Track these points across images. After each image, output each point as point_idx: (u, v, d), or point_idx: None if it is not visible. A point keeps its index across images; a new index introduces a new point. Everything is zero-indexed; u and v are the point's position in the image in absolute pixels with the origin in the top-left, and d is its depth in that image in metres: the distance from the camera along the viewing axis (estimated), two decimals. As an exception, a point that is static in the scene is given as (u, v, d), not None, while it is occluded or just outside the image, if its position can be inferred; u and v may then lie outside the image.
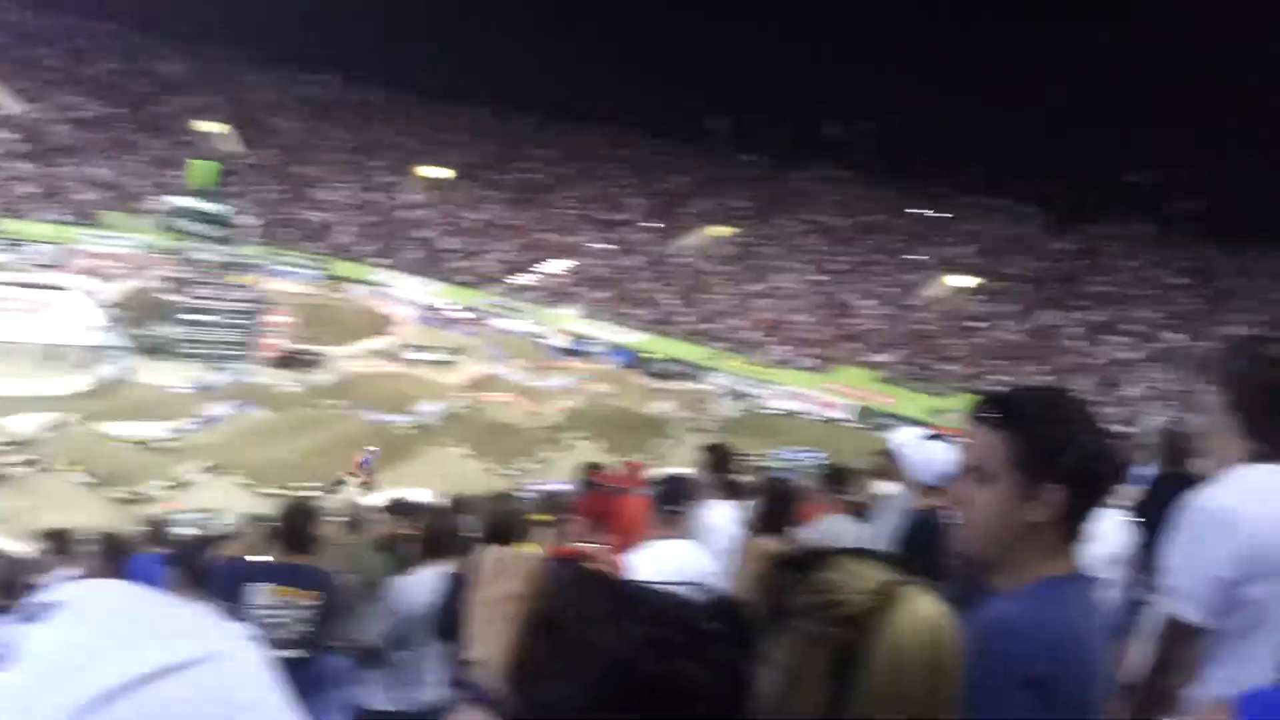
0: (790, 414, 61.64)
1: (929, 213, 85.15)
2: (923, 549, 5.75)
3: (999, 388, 2.93)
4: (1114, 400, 61.41)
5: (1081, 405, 2.66)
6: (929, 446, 6.25)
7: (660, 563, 5.37)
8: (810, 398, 63.82)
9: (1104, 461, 2.61)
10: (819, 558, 1.72)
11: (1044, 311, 73.14)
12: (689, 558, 5.82)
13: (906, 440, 6.38)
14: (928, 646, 1.62)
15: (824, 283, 77.90)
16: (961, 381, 63.41)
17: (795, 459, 45.01)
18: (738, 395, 63.75)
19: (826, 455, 42.80)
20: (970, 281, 76.63)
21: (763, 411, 62.00)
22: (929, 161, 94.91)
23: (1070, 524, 2.60)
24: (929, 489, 6.14)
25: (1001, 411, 2.64)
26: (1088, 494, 2.60)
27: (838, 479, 8.47)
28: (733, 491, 8.03)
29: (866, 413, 60.84)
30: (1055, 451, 2.56)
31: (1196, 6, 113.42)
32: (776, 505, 7.61)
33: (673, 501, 6.15)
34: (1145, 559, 4.90)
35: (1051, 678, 2.38)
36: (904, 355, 69.18)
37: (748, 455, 36.34)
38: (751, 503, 8.07)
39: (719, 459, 8.03)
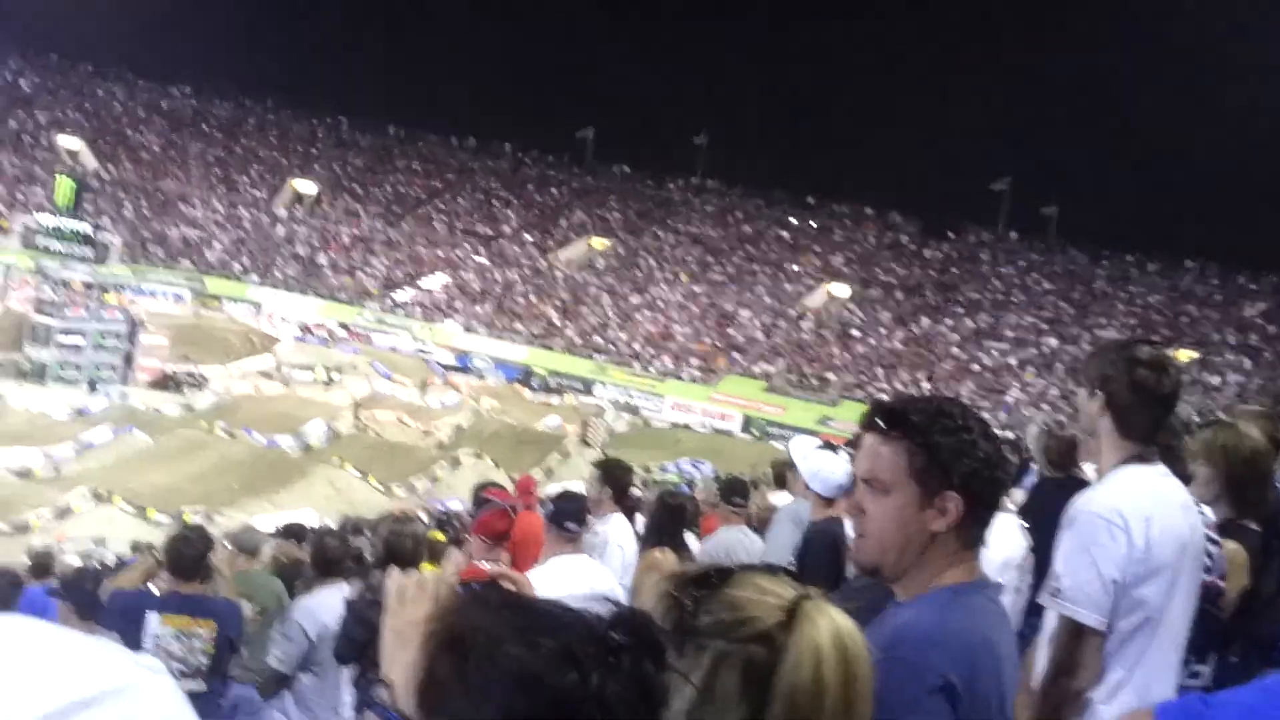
0: (679, 426, 61.83)
1: (802, 222, 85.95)
2: (821, 560, 5.76)
3: (887, 398, 3.06)
4: (995, 405, 62.58)
5: (972, 413, 2.68)
6: (823, 457, 6.27)
7: (561, 579, 5.42)
8: (698, 409, 64.06)
9: (999, 468, 2.63)
10: (724, 575, 1.70)
11: (922, 319, 74.27)
12: (589, 573, 5.80)
13: (802, 451, 6.42)
14: (840, 660, 1.61)
15: (704, 293, 78.25)
16: (845, 390, 64.20)
17: (687, 471, 45.18)
18: (626, 408, 63.77)
19: (717, 467, 43.11)
20: (847, 290, 77.52)
21: (652, 424, 62.16)
22: (801, 171, 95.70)
23: (970, 531, 2.62)
24: (825, 500, 6.15)
25: (897, 422, 2.64)
26: (985, 501, 2.62)
27: (731, 490, 8.64)
28: (626, 506, 7.99)
29: (755, 423, 61.25)
30: (951, 460, 2.57)
31: (1056, 11, 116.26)
32: (669, 518, 7.61)
33: (567, 518, 6.13)
34: (1035, 563, 5.09)
35: (960, 684, 2.38)
36: (787, 364, 69.77)
37: (639, 469, 36.39)
38: (645, 517, 8.09)
39: (611, 474, 7.89)
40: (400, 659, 1.92)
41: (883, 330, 73.50)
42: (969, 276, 78.83)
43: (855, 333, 73.52)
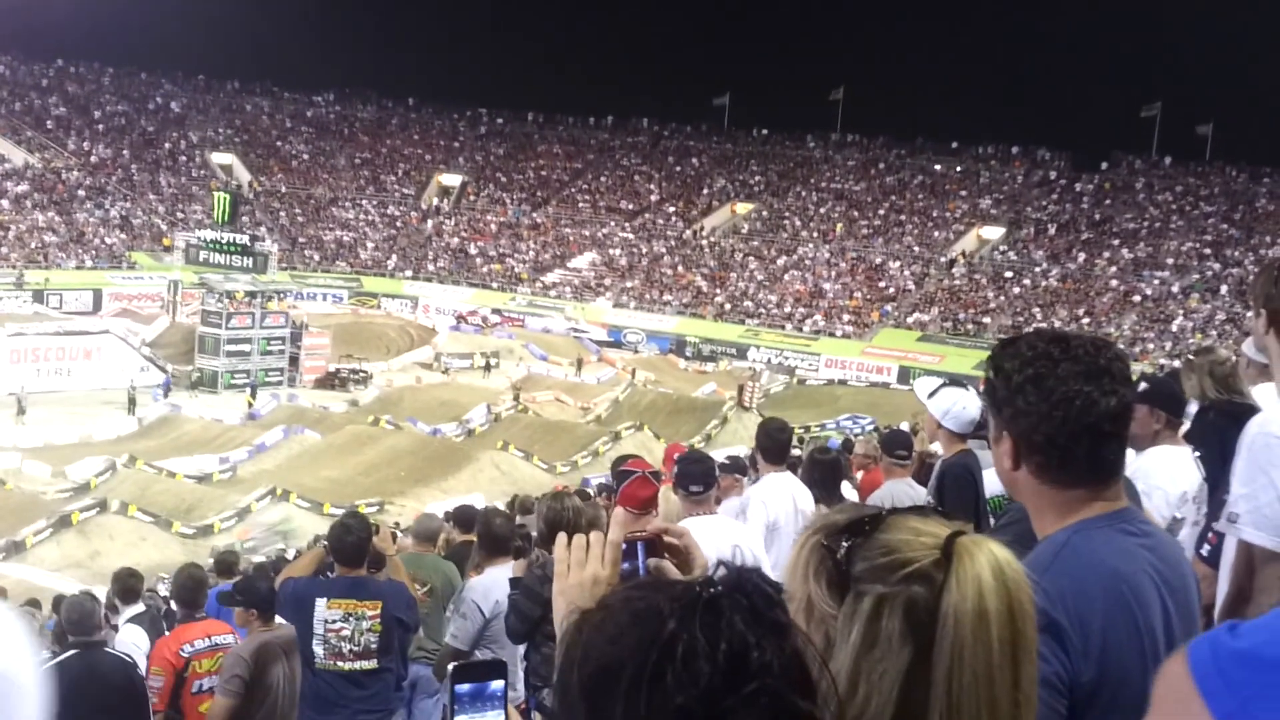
0: (836, 382, 61.55)
1: (947, 168, 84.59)
2: (958, 497, 5.70)
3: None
4: (1160, 335, 61.14)
5: (1049, 348, 2.48)
6: (952, 395, 6.18)
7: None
8: (853, 364, 63.71)
9: (1062, 409, 2.43)
10: (876, 520, 1.67)
11: (1078, 254, 72.70)
12: (718, 533, 5.78)
13: (929, 390, 6.32)
14: (1003, 591, 1.58)
15: (852, 248, 77.65)
16: (1002, 333, 63.08)
17: (847, 427, 44.98)
18: (781, 369, 63.70)
19: (878, 420, 42.86)
20: (998, 232, 76.23)
21: (809, 383, 61.99)
22: (941, 117, 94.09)
23: (1062, 472, 2.47)
24: (958, 436, 6.13)
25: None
26: (1048, 445, 2.46)
27: (893, 443, 8.49)
28: (787, 465, 7.97)
29: (912, 374, 60.67)
30: (1002, 402, 2.50)
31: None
32: (821, 474, 7.56)
33: (691, 481, 6.14)
34: (1208, 489, 4.79)
35: (1068, 621, 2.32)
36: (941, 312, 68.96)
37: (799, 428, 36.31)
38: (806, 474, 8.05)
39: (771, 434, 7.90)
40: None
41: (1037, 269, 72.13)
42: (1124, 206, 76.88)
43: (1009, 274, 72.28)
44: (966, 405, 6.04)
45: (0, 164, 74.90)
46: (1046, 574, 2.28)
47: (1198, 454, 5.14)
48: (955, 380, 6.46)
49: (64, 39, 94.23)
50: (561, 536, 2.15)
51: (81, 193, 75.70)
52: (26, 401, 45.27)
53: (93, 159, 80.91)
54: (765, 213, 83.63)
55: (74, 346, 50.96)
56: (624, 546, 2.19)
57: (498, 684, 1.86)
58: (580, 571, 2.13)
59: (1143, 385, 5.23)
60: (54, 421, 44.62)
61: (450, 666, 1.86)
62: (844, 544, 1.64)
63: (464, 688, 1.82)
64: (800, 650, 1.30)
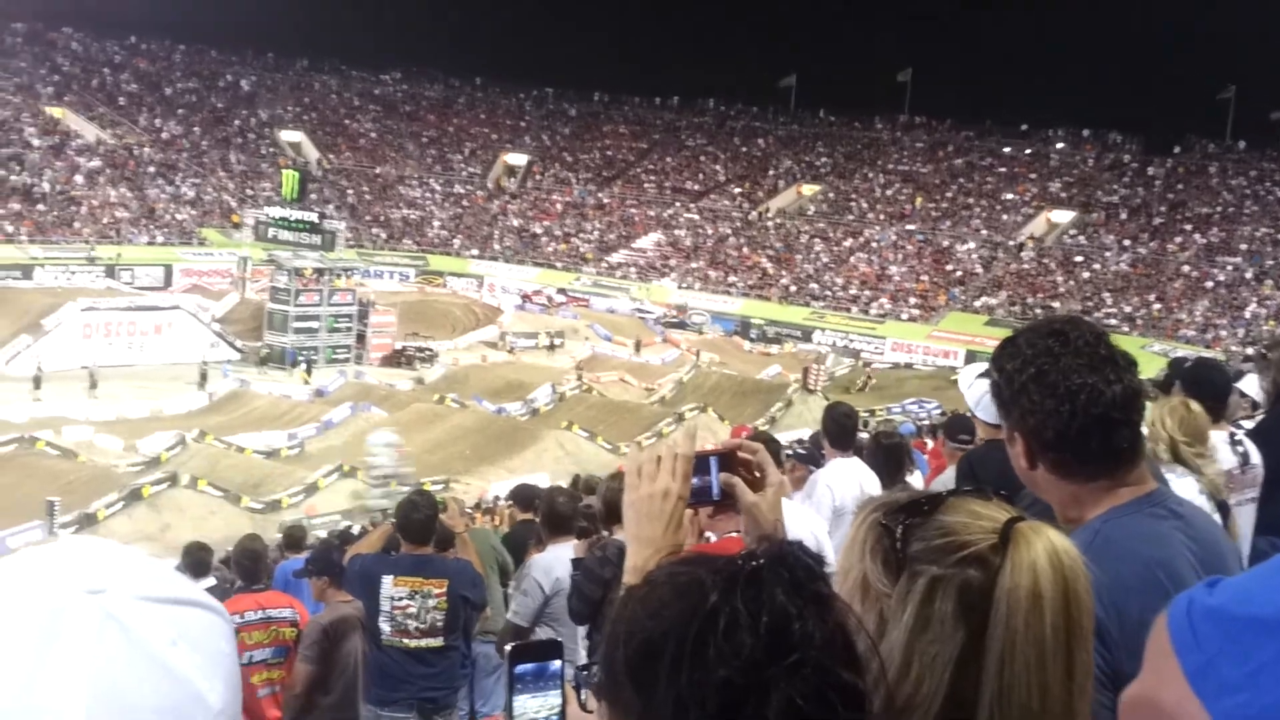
0: (902, 366, 61.20)
1: (1016, 151, 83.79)
2: (989, 485, 5.63)
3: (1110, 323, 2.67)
4: (1232, 322, 60.31)
5: (1049, 341, 2.46)
6: (982, 385, 6.06)
7: None
8: (920, 348, 63.34)
9: (1070, 403, 2.41)
10: (935, 501, 1.67)
11: (1149, 239, 71.80)
12: (790, 518, 5.70)
13: (967, 380, 6.22)
14: (1058, 577, 1.58)
15: (918, 231, 77.13)
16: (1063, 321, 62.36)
17: (913, 411, 44.73)
18: (846, 352, 63.46)
19: (943, 405, 42.56)
20: (1067, 216, 75.44)
21: (874, 367, 61.69)
22: (1011, 99, 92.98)
23: (1083, 467, 2.45)
24: (993, 426, 5.99)
25: (992, 358, 2.56)
26: (1058, 441, 2.44)
27: (956, 428, 8.37)
28: (851, 449, 7.92)
29: (979, 358, 60.19)
30: (1010, 398, 2.49)
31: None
32: (885, 458, 7.51)
33: None
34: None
35: (1105, 616, 2.16)
36: (1009, 296, 68.37)
37: (863, 412, 36.12)
38: (869, 459, 7.99)
39: (837, 418, 7.89)
40: (637, 533, 2.16)
41: (1108, 254, 71.32)
42: (1197, 191, 75.80)
43: (1079, 258, 71.52)
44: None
45: (73, 140, 75.82)
46: None
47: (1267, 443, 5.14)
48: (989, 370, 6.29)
49: (136, 16, 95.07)
50: (634, 449, 2.16)
51: (153, 169, 76.55)
52: (98, 375, 45.92)
53: (164, 136, 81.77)
54: (831, 195, 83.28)
55: (145, 321, 51.60)
56: (696, 461, 2.20)
57: (557, 664, 1.85)
58: (651, 484, 2.16)
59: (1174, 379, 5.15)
60: (125, 396, 45.23)
61: (508, 647, 1.86)
62: (901, 524, 1.63)
63: (524, 667, 1.82)
64: (844, 623, 1.31)
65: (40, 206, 67.62)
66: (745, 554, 1.33)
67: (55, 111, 78.08)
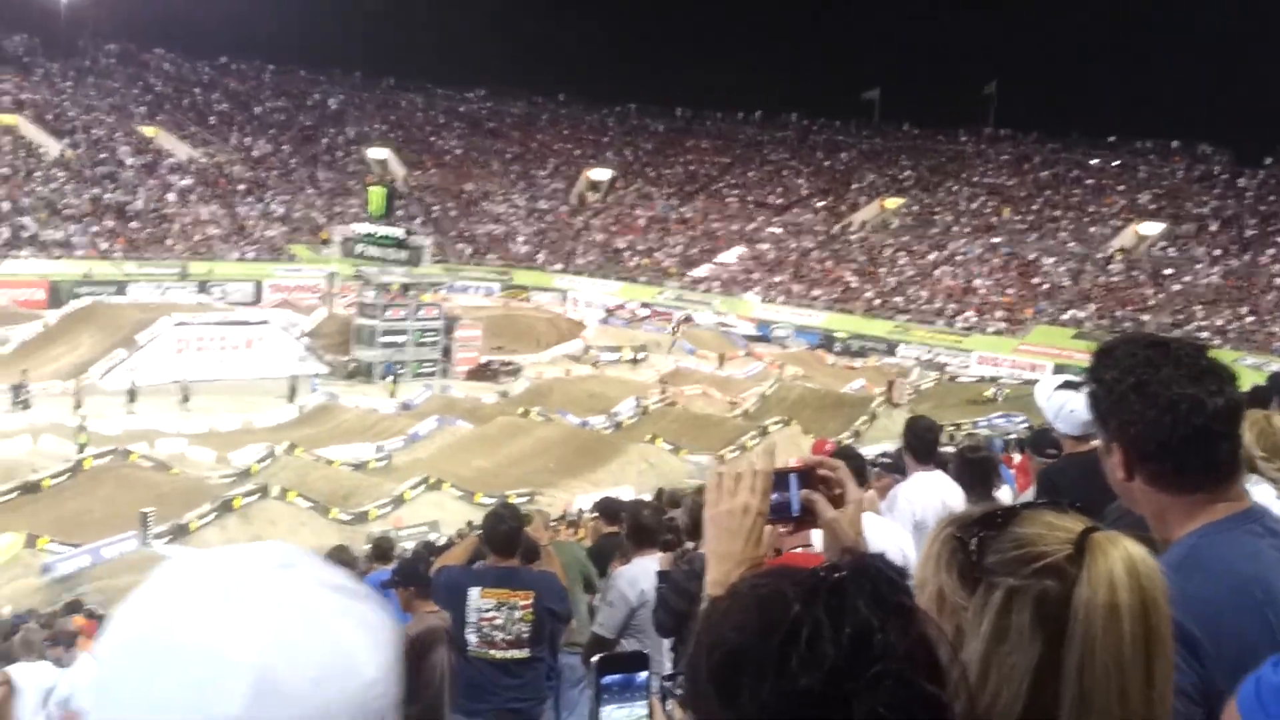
0: (988, 380, 60.61)
1: (1104, 162, 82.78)
2: (1074, 497, 5.56)
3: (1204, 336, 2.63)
4: (1327, 335, 59.16)
5: (1152, 353, 2.41)
6: (1065, 396, 5.95)
7: None
8: (1006, 361, 62.75)
9: (1172, 414, 2.35)
10: (1010, 513, 1.67)
11: (1241, 251, 70.60)
12: (869, 531, 5.66)
13: (1045, 392, 6.15)
14: (1136, 587, 1.57)
15: (1004, 244, 76.43)
16: (1162, 331, 61.31)
17: (999, 425, 44.31)
18: (931, 366, 63.00)
19: (1030, 419, 42.07)
20: (1157, 228, 74.40)
21: (959, 380, 61.18)
22: (1098, 111, 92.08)
23: (1183, 479, 2.40)
24: (1076, 439, 5.93)
25: (1089, 368, 2.49)
26: (1159, 452, 2.38)
27: (1042, 442, 8.32)
28: (935, 463, 7.82)
29: (1068, 371, 59.45)
30: (1109, 409, 2.42)
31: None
32: (971, 473, 7.45)
33: None
34: None
35: (1201, 632, 2.20)
36: (1098, 309, 67.50)
37: (948, 426, 35.76)
38: (954, 474, 7.91)
39: (919, 432, 7.80)
40: (717, 548, 2.18)
41: (1198, 266, 70.18)
42: (1292, 202, 74.51)
43: (1168, 271, 70.45)
44: (1076, 407, 5.75)
45: (165, 159, 77.31)
46: (1173, 583, 2.15)
47: None
48: (1070, 381, 6.28)
49: (227, 37, 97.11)
50: (715, 463, 2.19)
51: (243, 187, 77.84)
52: (191, 389, 46.72)
53: (254, 154, 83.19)
54: (915, 208, 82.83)
55: (236, 336, 52.39)
56: (776, 477, 2.22)
57: (643, 675, 1.87)
58: (731, 500, 2.17)
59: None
60: (217, 409, 45.92)
61: (595, 659, 1.89)
62: (976, 536, 1.64)
63: (611, 678, 1.84)
64: (927, 635, 1.31)
65: (134, 224, 69.01)
66: (828, 565, 1.35)
67: (148, 130, 79.72)
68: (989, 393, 55.59)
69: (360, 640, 1.16)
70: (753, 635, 1.29)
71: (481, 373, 55.87)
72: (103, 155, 74.25)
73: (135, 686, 1.07)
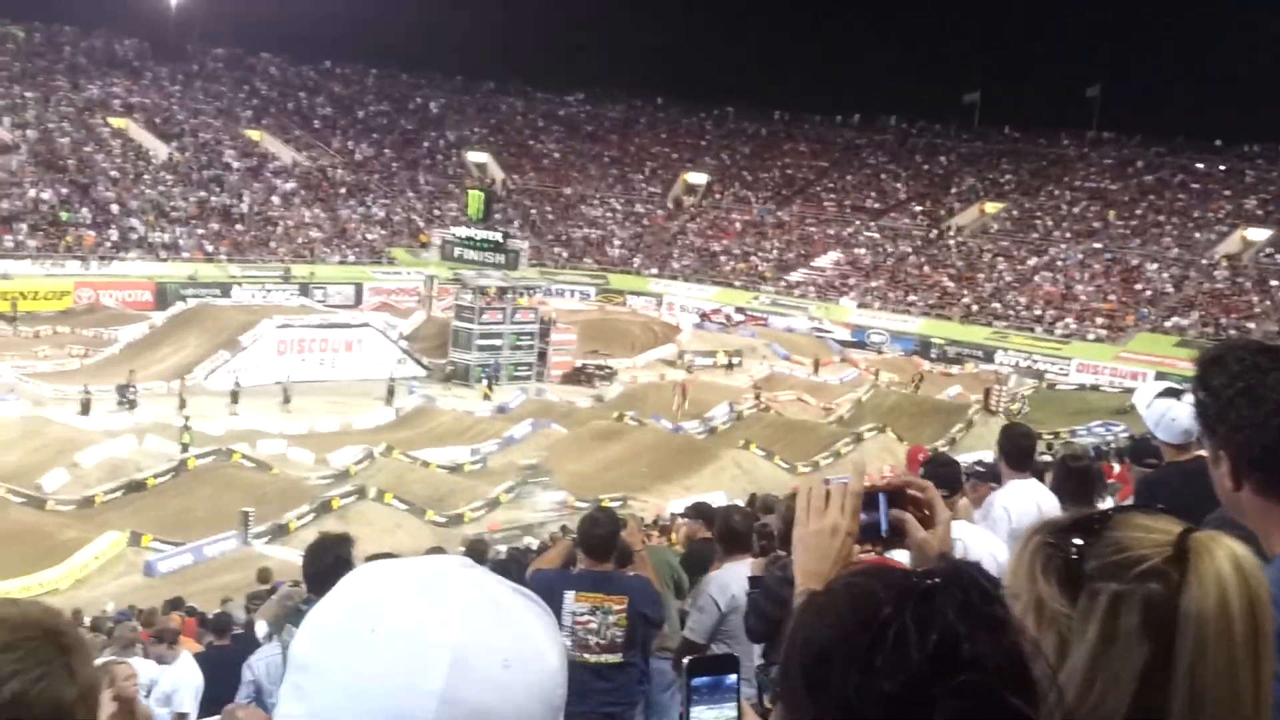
0: (1088, 388, 59.77)
1: (1209, 167, 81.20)
2: (1175, 504, 5.47)
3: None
4: None
5: (1252, 364, 2.31)
6: (1165, 404, 5.90)
7: None
8: (1107, 369, 61.83)
9: (1272, 424, 2.27)
10: (1104, 518, 1.66)
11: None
12: (963, 539, 5.62)
13: (1145, 399, 6.07)
14: (1243, 586, 1.56)
15: (1106, 250, 75.28)
16: (1268, 339, 60.11)
17: (1099, 433, 43.70)
18: (1029, 373, 62.25)
19: (1131, 428, 41.40)
20: (1264, 234, 72.86)
21: (1059, 388, 60.40)
22: (1204, 114, 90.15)
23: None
24: (1176, 448, 5.89)
25: (1195, 375, 2.42)
26: (1271, 459, 2.28)
27: (1142, 451, 8.19)
28: (1033, 471, 7.73)
29: (1170, 380, 58.32)
30: (1215, 422, 2.34)
31: None
32: (1072, 482, 7.37)
33: (937, 485, 5.95)
34: None
35: None
36: (1201, 317, 66.27)
37: (1047, 433, 35.33)
38: (1057, 482, 7.82)
39: (1015, 439, 7.68)
40: (804, 567, 2.19)
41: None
42: None
43: (1276, 279, 68.98)
44: (1177, 415, 5.76)
45: (270, 162, 78.63)
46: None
47: None
48: (1171, 389, 6.19)
49: (331, 42, 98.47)
50: (803, 483, 2.20)
51: (344, 190, 78.93)
52: (292, 390, 47.47)
53: (356, 158, 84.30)
54: (1015, 212, 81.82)
55: (336, 338, 53.12)
56: (866, 497, 2.22)
57: (733, 677, 1.87)
58: (820, 519, 2.19)
59: None
60: (316, 410, 46.62)
61: (686, 660, 1.90)
62: (1075, 542, 1.63)
63: (701, 680, 1.84)
64: (1019, 648, 1.32)
65: (239, 226, 70.28)
66: (923, 570, 1.38)
67: (254, 134, 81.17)
68: (1128, 404, 54.18)
69: (541, 632, 1.28)
70: (842, 633, 1.31)
71: (576, 376, 56.16)
72: (209, 159, 75.70)
73: (344, 664, 1.18)
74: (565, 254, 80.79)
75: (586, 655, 7.43)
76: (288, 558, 30.27)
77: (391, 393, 49.48)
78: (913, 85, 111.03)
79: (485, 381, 52.89)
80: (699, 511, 12.66)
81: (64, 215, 64.77)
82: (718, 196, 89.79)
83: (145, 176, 71.05)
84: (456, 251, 59.68)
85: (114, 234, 65.03)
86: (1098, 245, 75.78)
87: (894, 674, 1.26)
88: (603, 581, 7.49)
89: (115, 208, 66.80)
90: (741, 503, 19.38)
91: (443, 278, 61.15)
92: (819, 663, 1.31)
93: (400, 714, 1.15)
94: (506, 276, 57.34)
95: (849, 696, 1.27)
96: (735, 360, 60.14)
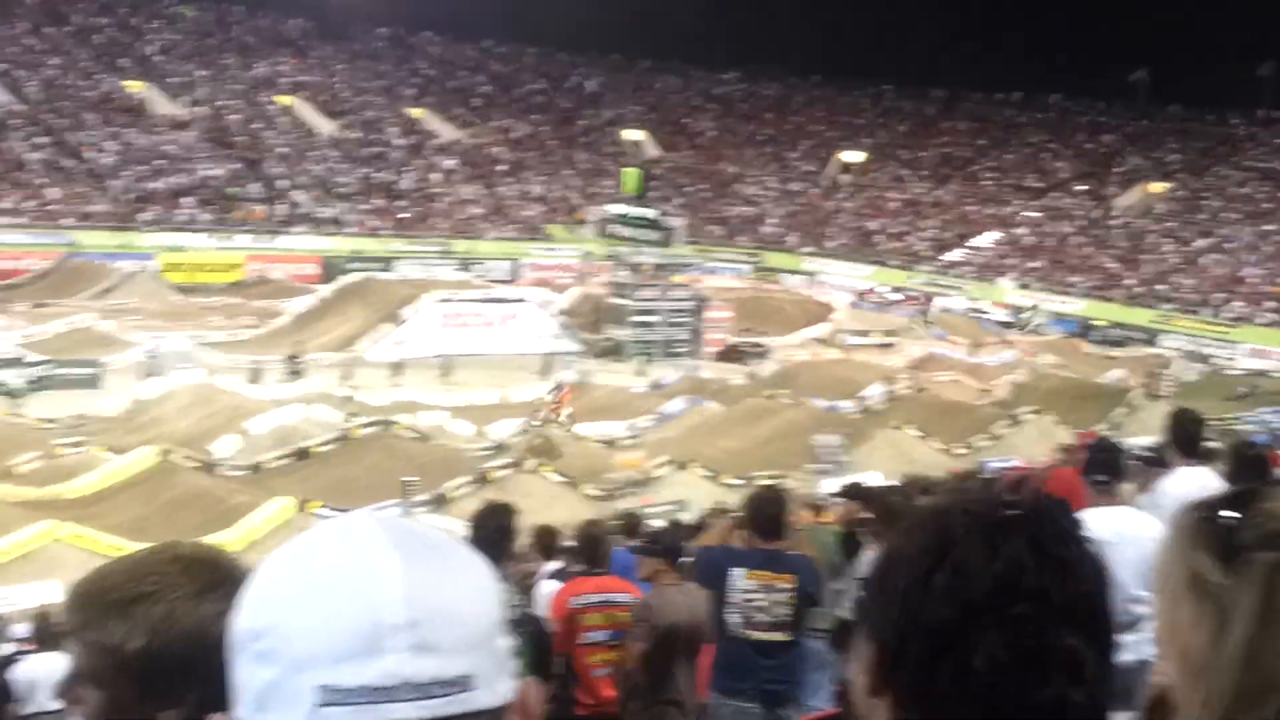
0: (1257, 373, 58.02)
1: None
2: None
3: None
4: None
5: None
6: None
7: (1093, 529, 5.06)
8: (1278, 354, 59.95)
9: None
10: (1251, 491, 1.65)
11: None
12: (1120, 524, 5.36)
13: None
14: None
15: (1277, 232, 72.85)
16: None
17: (1269, 420, 42.46)
18: (1195, 358, 60.61)
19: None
20: None
21: (1227, 373, 58.72)
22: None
23: None
24: None
25: None
26: None
27: None
28: (1201, 458, 7.53)
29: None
30: None
31: None
32: (1245, 470, 7.28)
33: (1096, 470, 5.99)
34: None
35: None
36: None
37: (1215, 420, 34.50)
38: (1230, 471, 7.70)
39: (1184, 425, 7.50)
40: None
41: None
42: None
43: None
44: None
45: (431, 140, 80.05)
46: None
47: None
48: None
49: (491, 21, 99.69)
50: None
51: (503, 167, 79.99)
52: (452, 364, 48.37)
53: (513, 136, 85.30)
54: (1182, 193, 79.60)
55: (494, 313, 53.91)
56: None
57: None
58: None
59: None
60: (476, 383, 47.43)
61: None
62: (1230, 515, 1.62)
63: None
64: (1090, 593, 1.32)
65: (401, 203, 71.72)
66: (1008, 500, 1.37)
67: (416, 112, 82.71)
68: (1241, 389, 52.78)
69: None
70: (913, 548, 1.33)
71: (730, 354, 56.19)
72: (372, 136, 77.37)
73: (302, 608, 1.14)
74: (720, 232, 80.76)
75: (753, 632, 7.53)
76: (447, 527, 31.00)
77: (548, 367, 50.08)
78: (1076, 63, 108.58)
79: (641, 358, 53.23)
80: (854, 491, 12.72)
81: (232, 191, 66.77)
82: (874, 175, 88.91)
83: (311, 153, 72.85)
84: (612, 229, 60.11)
85: (283, 209, 66.86)
86: (1269, 228, 73.34)
87: (950, 598, 1.28)
88: (772, 560, 7.56)
89: (284, 183, 68.64)
90: (896, 483, 19.36)
91: (598, 255, 61.67)
92: (890, 574, 1.35)
93: (374, 625, 1.13)
94: (661, 254, 57.63)
95: (907, 615, 1.30)
96: (891, 340, 59.61)
